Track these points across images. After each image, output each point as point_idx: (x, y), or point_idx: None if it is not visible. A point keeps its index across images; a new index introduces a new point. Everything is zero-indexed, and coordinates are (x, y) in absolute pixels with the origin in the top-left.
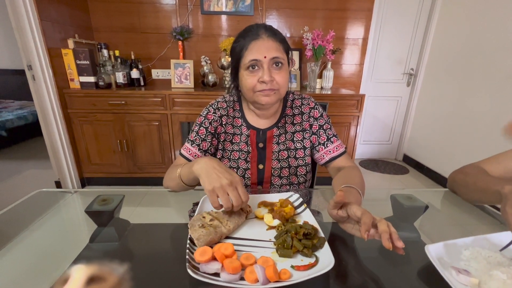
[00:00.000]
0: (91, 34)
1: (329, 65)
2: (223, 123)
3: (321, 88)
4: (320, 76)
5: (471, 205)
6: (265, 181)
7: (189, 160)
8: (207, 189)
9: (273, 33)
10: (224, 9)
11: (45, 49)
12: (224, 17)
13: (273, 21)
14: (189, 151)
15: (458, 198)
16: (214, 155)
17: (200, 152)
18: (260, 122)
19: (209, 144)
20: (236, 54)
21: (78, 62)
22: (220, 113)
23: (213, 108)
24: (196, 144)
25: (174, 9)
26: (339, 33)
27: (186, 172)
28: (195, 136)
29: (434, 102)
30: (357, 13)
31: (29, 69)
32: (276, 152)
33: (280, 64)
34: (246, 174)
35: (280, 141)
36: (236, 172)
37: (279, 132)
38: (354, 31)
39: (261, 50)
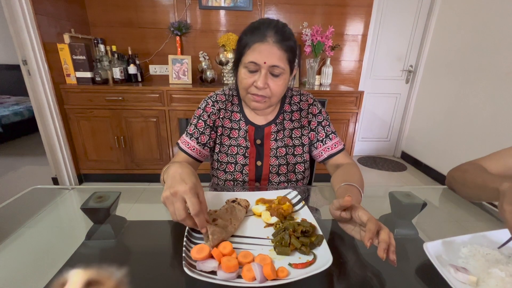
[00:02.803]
0: (88, 29)
1: (328, 62)
2: (221, 116)
3: (320, 84)
4: (319, 72)
5: (469, 202)
6: (263, 178)
7: (188, 154)
8: (161, 196)
9: (281, 39)
10: (222, 4)
11: (41, 43)
12: (222, 12)
13: (271, 16)
14: (188, 145)
15: (456, 196)
16: (213, 148)
17: (199, 145)
18: (257, 118)
19: (208, 137)
20: (240, 48)
21: (74, 57)
22: (219, 106)
23: (211, 100)
24: (195, 138)
25: (171, 3)
26: (338, 29)
27: (165, 178)
28: (194, 129)
29: (432, 99)
30: (357, 9)
31: (24, 64)
32: (274, 149)
33: (278, 73)
34: (244, 170)
35: (278, 138)
36: (234, 168)
37: (277, 128)
38: (354, 27)
39: (262, 54)
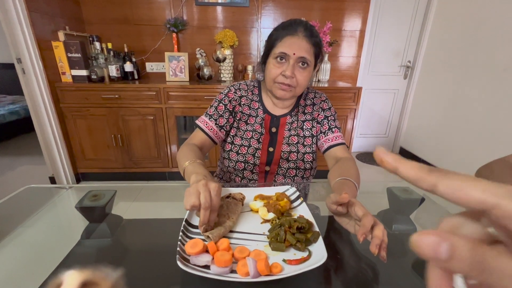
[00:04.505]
0: (83, 26)
1: (326, 58)
2: (242, 103)
3: (318, 81)
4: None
5: None
6: (274, 162)
7: (206, 133)
8: (187, 190)
9: (310, 35)
10: (219, 0)
11: (35, 41)
12: (219, 9)
13: (269, 12)
14: (206, 124)
15: None
16: (228, 132)
17: (217, 127)
18: (275, 109)
19: (226, 120)
20: (271, 42)
21: (70, 55)
22: (241, 94)
23: (234, 88)
24: (214, 119)
25: (167, 0)
26: (336, 25)
27: (188, 174)
28: (214, 111)
29: (430, 95)
30: (354, 4)
31: (18, 63)
32: (287, 137)
33: (305, 64)
34: (256, 154)
35: (291, 128)
36: (247, 151)
37: (292, 120)
38: (351, 23)
39: (292, 46)
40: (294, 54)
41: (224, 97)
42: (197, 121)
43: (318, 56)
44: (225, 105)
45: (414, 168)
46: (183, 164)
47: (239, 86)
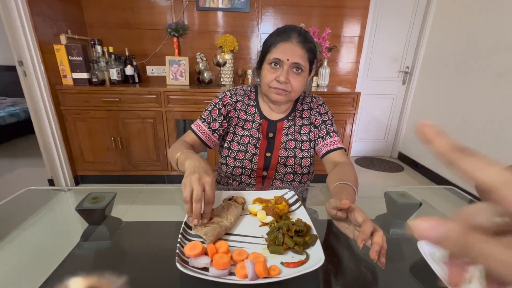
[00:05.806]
0: (84, 30)
1: (325, 63)
2: (237, 108)
3: (317, 85)
4: (316, 73)
5: (464, 201)
6: (271, 168)
7: (197, 136)
8: (182, 181)
9: (304, 40)
10: (220, 6)
11: (37, 44)
12: (220, 14)
13: (269, 18)
14: (199, 127)
15: (451, 196)
16: (223, 136)
17: (209, 130)
18: (272, 114)
19: (219, 124)
20: (266, 47)
21: (71, 58)
22: (236, 99)
23: (230, 93)
24: (207, 123)
25: (169, 5)
26: (335, 30)
27: (182, 162)
28: (208, 115)
29: (429, 100)
30: (353, 11)
31: (20, 65)
32: (284, 142)
33: (299, 70)
34: (253, 159)
35: (289, 132)
36: (244, 156)
37: (289, 124)
38: (350, 29)
39: (286, 52)
40: (287, 60)
41: (219, 101)
42: (192, 125)
43: (312, 61)
44: (219, 110)
45: (445, 146)
46: (175, 156)
47: (235, 91)
